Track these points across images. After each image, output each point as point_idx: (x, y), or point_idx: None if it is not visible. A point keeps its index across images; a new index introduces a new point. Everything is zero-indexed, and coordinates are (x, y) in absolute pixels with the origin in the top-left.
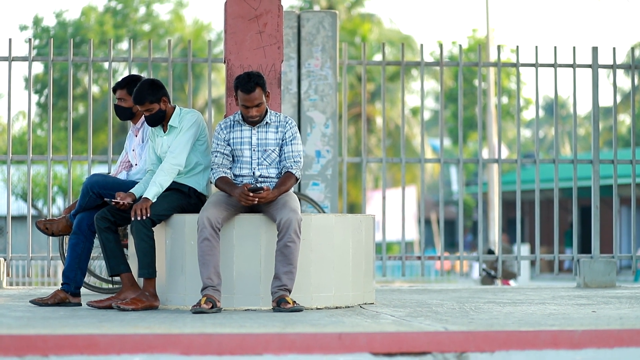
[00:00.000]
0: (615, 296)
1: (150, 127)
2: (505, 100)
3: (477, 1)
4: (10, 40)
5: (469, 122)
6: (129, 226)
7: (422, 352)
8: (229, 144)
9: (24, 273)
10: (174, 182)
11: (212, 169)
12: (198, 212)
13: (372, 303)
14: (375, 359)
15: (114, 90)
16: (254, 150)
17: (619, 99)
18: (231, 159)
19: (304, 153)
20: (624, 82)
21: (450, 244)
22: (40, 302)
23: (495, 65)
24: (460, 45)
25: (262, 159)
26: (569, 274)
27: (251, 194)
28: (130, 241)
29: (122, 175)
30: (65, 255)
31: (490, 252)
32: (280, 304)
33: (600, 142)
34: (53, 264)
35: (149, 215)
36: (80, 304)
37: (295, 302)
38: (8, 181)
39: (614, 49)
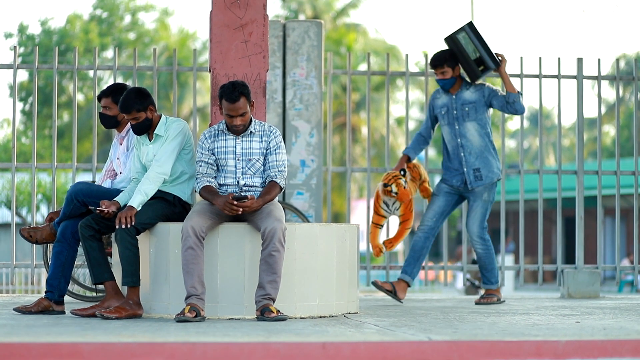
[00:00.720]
0: (599, 307)
1: (135, 135)
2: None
3: (462, 12)
4: None
5: None
6: (113, 234)
7: None
8: (213, 153)
9: (8, 281)
10: (158, 190)
11: (196, 178)
12: (182, 220)
13: (356, 312)
14: None
15: (99, 98)
16: (238, 159)
17: (603, 110)
18: (215, 168)
19: (289, 162)
20: (609, 93)
21: (435, 254)
22: (23, 310)
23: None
24: None
25: (246, 168)
26: (553, 284)
27: (235, 203)
28: (115, 249)
29: (107, 184)
30: (49, 263)
31: (475, 262)
32: (264, 313)
33: (584, 153)
34: (37, 272)
35: (133, 223)
36: (64, 312)
37: (279, 311)
38: None
39: (599, 60)
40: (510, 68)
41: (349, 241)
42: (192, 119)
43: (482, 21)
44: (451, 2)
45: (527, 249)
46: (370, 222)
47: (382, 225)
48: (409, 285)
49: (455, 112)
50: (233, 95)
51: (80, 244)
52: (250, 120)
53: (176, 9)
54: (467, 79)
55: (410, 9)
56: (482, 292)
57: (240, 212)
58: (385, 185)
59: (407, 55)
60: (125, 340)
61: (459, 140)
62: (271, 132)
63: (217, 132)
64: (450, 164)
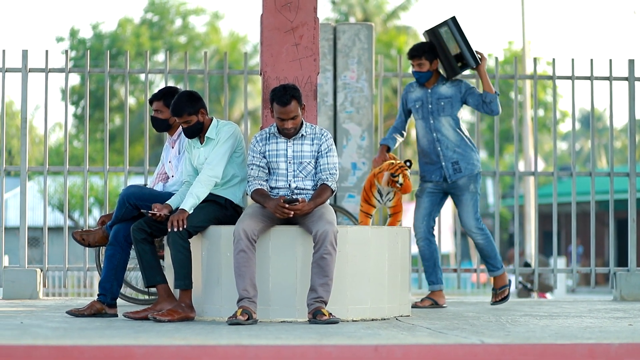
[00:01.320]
0: None
1: (187, 139)
2: (541, 112)
3: (513, 13)
4: (47, 52)
5: (505, 135)
6: (165, 237)
7: None
8: (264, 157)
9: (61, 284)
10: (210, 193)
11: (248, 181)
12: (234, 223)
13: (408, 315)
14: None
15: (151, 102)
16: (289, 162)
17: None
18: (267, 171)
19: (340, 165)
20: None
21: None
22: (76, 313)
23: (532, 77)
24: (496, 58)
25: (297, 171)
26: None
27: (287, 206)
28: (167, 252)
29: (159, 187)
30: (102, 266)
31: (527, 265)
32: (316, 316)
33: (636, 155)
34: (89, 275)
35: (185, 226)
36: (116, 315)
37: (331, 314)
38: (45, 192)
39: None
40: (562, 70)
41: (401, 244)
42: (243, 122)
43: (534, 23)
44: (502, 4)
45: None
46: (360, 211)
47: (371, 215)
48: (441, 290)
49: (430, 106)
50: (284, 99)
51: (133, 247)
52: (302, 123)
53: (227, 12)
54: (443, 74)
55: (461, 10)
56: (534, 295)
57: (291, 215)
58: (393, 175)
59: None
60: (178, 343)
61: (434, 135)
62: (322, 134)
63: (268, 135)
64: (426, 159)
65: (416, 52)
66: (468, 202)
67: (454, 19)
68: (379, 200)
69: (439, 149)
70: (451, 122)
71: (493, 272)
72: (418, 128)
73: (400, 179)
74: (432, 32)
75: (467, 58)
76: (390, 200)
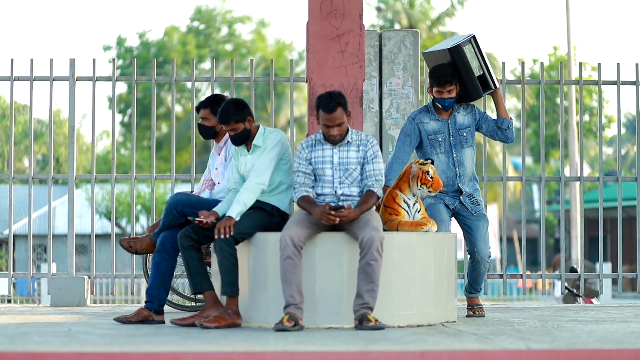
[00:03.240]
0: None
1: (233, 146)
2: (586, 117)
3: (559, 18)
4: (94, 60)
5: (550, 140)
6: (212, 244)
7: None
8: (310, 163)
9: (108, 291)
10: (257, 200)
11: (294, 188)
12: (280, 230)
13: (454, 321)
14: None
15: (197, 109)
16: (335, 169)
17: None
18: (313, 177)
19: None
20: None
21: (532, 262)
22: (124, 320)
23: (577, 83)
24: (541, 63)
25: (343, 178)
26: None
27: (333, 213)
28: (213, 259)
29: (205, 194)
30: (149, 273)
31: (573, 270)
32: (363, 322)
33: None
34: (136, 282)
35: (232, 233)
36: (163, 322)
37: (377, 320)
38: (92, 200)
39: None
40: (607, 75)
41: (447, 250)
42: (290, 129)
43: (579, 28)
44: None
45: (625, 257)
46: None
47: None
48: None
49: (452, 138)
50: (330, 106)
51: (180, 254)
52: (347, 130)
53: (273, 20)
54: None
55: (506, 16)
56: (580, 300)
57: (337, 222)
58: (422, 164)
59: (503, 62)
60: (225, 350)
61: (457, 169)
62: (368, 141)
63: (314, 142)
64: (445, 188)
65: (449, 77)
66: (485, 229)
67: (474, 37)
68: (407, 211)
69: (458, 184)
70: (472, 153)
71: (478, 293)
72: (437, 163)
73: (431, 171)
74: (457, 50)
75: (490, 80)
76: (418, 212)
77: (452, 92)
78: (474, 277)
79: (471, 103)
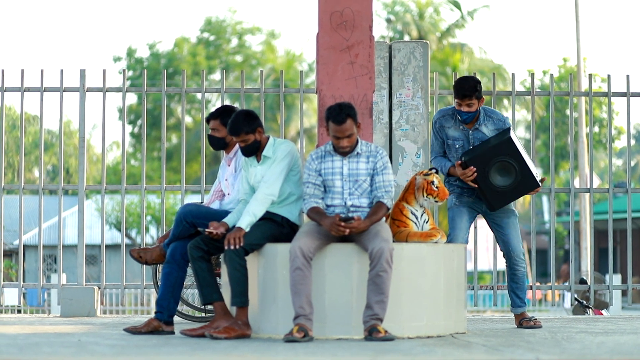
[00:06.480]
0: None
1: (243, 157)
2: (596, 129)
3: (568, 30)
4: (104, 71)
5: (560, 152)
6: (222, 255)
7: None
8: (320, 174)
9: (118, 301)
10: (267, 211)
11: (304, 199)
12: (290, 241)
13: (464, 332)
14: None
15: (207, 120)
16: (345, 180)
17: None
18: (323, 189)
19: (395, 183)
20: None
21: (542, 274)
22: (133, 331)
23: (587, 94)
24: (551, 75)
25: (353, 189)
26: None
27: (342, 224)
28: (223, 270)
29: (215, 205)
30: (159, 283)
31: (583, 281)
32: (372, 333)
33: None
34: (146, 293)
35: (242, 244)
36: (173, 333)
37: (387, 331)
38: (102, 210)
39: None
40: (617, 86)
41: (457, 261)
42: (299, 140)
43: (589, 40)
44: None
45: (635, 268)
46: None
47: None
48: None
49: (470, 147)
50: (340, 117)
51: (190, 264)
52: (357, 141)
53: (282, 31)
54: (484, 111)
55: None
56: (590, 312)
57: (347, 233)
58: (426, 174)
59: (513, 74)
60: None
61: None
62: (377, 152)
63: (324, 153)
64: (466, 185)
65: (468, 92)
66: (516, 224)
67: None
68: (415, 223)
69: (477, 191)
70: None
71: (522, 307)
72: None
73: (436, 181)
74: (509, 141)
75: (534, 173)
76: (427, 223)
77: (472, 106)
78: (516, 285)
79: (504, 118)
